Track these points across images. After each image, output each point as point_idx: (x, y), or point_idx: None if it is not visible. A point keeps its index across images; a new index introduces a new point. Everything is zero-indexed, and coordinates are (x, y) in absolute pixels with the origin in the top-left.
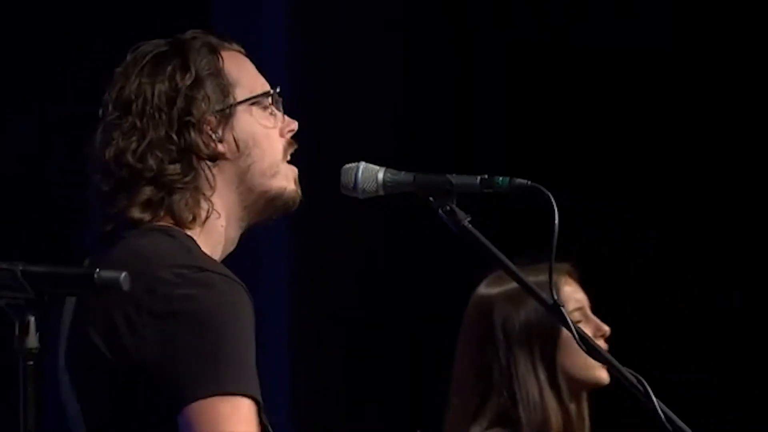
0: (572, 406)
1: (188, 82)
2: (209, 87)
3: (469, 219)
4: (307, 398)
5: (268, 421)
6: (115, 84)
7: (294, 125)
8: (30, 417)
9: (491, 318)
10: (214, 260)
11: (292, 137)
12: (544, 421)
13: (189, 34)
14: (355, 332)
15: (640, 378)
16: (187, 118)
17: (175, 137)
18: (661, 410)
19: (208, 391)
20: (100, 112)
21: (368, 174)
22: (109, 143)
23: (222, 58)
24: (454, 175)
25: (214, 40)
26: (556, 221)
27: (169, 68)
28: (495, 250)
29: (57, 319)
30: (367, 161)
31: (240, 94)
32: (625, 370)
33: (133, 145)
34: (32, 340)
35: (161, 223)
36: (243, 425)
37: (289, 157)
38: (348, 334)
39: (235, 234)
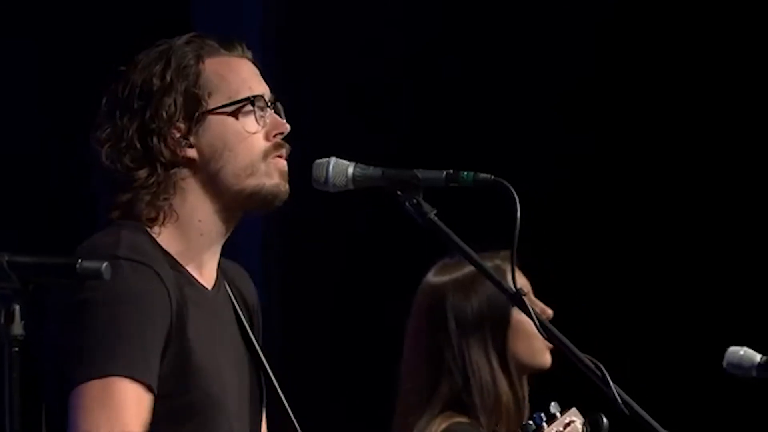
0: (519, 389)
1: (161, 88)
2: (180, 94)
3: (435, 212)
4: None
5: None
6: (116, 81)
7: (282, 128)
8: (15, 401)
9: (443, 306)
10: (142, 248)
11: (283, 139)
12: (496, 402)
13: (185, 38)
14: (330, 324)
15: (598, 363)
16: (152, 126)
17: (138, 144)
18: (618, 394)
19: (86, 375)
20: (100, 108)
21: (339, 169)
22: (96, 143)
23: (204, 64)
24: (420, 169)
25: (206, 45)
26: (518, 213)
27: (151, 72)
28: (459, 241)
29: None
30: (338, 157)
31: (216, 101)
32: (582, 355)
33: (108, 150)
34: (17, 328)
35: (123, 219)
36: (116, 406)
37: (276, 157)
38: (322, 327)
39: (219, 226)
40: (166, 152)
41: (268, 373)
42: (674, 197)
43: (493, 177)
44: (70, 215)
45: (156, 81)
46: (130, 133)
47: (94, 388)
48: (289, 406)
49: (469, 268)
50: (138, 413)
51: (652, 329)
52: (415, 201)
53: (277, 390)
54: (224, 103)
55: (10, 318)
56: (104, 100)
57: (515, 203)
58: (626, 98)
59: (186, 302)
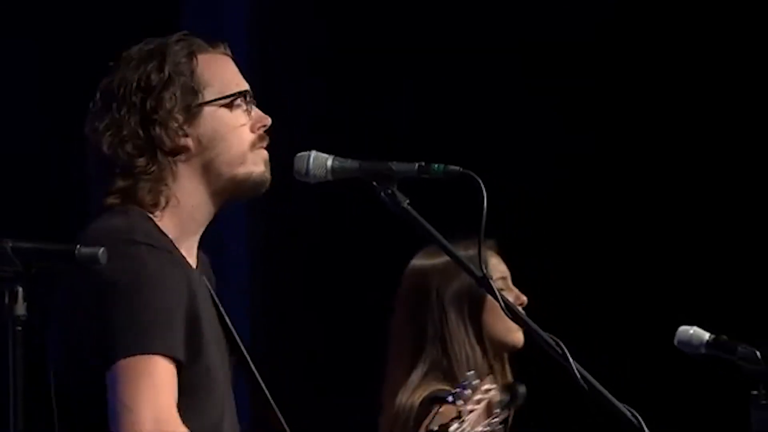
0: (496, 364)
1: (160, 83)
2: (178, 88)
3: (408, 201)
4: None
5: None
6: (107, 77)
7: (266, 121)
8: (19, 378)
9: (427, 285)
10: (153, 233)
11: (265, 132)
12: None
13: (175, 36)
14: (316, 317)
15: (558, 340)
16: (154, 116)
17: (141, 133)
18: (577, 370)
19: (126, 353)
20: (92, 102)
21: (319, 161)
22: (92, 132)
23: (197, 61)
24: (395, 162)
25: (196, 43)
26: (485, 203)
27: (148, 68)
28: (432, 229)
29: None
30: (318, 150)
31: (209, 94)
32: (543, 333)
33: (108, 138)
34: (20, 308)
35: (125, 206)
36: (155, 381)
37: (261, 147)
38: (309, 321)
39: (208, 212)
40: (166, 141)
41: (243, 356)
42: (674, 197)
43: (461, 169)
44: (70, 215)
45: (155, 76)
46: (132, 123)
47: (137, 363)
48: (268, 390)
49: None
50: (173, 390)
51: (642, 320)
52: (389, 191)
53: (254, 373)
54: (217, 96)
55: (13, 299)
56: (98, 95)
57: (482, 193)
58: (626, 98)
59: (191, 282)
